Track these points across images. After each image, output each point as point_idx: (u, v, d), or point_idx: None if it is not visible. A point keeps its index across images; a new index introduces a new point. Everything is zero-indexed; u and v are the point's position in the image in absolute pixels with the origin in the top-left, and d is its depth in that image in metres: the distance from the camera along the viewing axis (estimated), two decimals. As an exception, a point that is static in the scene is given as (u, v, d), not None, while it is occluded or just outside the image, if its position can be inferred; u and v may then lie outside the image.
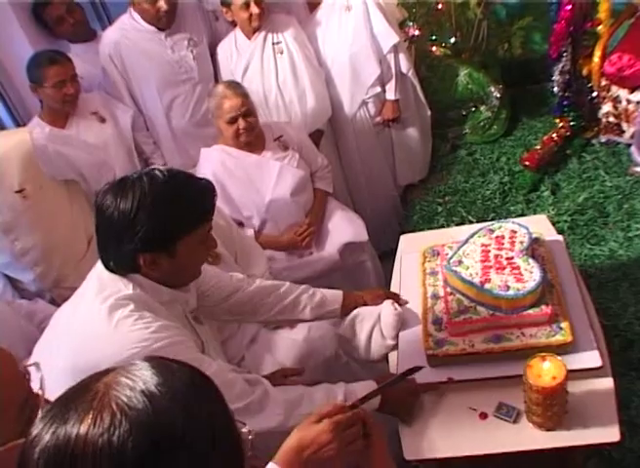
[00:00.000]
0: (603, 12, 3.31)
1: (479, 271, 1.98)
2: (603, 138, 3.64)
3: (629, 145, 3.48)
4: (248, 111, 2.82)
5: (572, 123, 3.70)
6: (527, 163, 3.57)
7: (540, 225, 2.41)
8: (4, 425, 0.98)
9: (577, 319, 1.91)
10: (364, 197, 3.84)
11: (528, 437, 1.70)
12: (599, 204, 3.31)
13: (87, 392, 0.80)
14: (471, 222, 3.39)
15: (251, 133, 2.86)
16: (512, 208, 3.45)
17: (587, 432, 1.67)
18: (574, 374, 1.71)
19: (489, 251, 2.05)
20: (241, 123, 2.80)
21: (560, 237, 2.33)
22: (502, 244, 2.07)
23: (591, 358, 1.79)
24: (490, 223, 2.20)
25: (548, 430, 1.69)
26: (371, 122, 3.69)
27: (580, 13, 3.39)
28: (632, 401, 2.38)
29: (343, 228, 3.07)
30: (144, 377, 0.81)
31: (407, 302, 2.18)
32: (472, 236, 2.14)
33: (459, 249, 2.11)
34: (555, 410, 1.66)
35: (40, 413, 0.81)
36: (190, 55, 3.32)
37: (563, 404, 1.67)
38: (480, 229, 2.17)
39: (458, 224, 3.40)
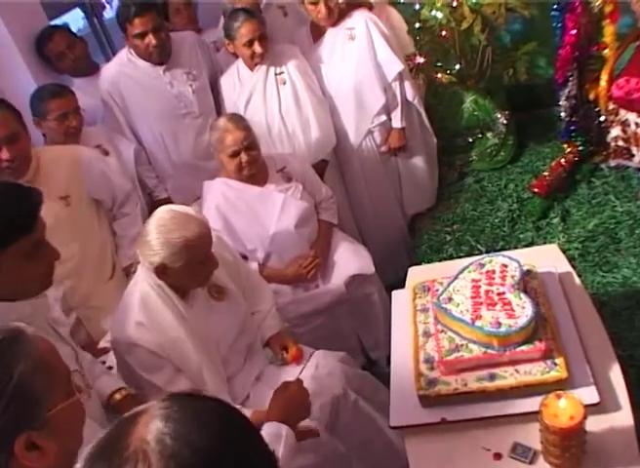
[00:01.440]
0: (608, 35, 3.28)
1: (470, 308, 1.93)
2: (612, 163, 3.58)
3: (639, 169, 3.42)
4: (250, 144, 2.79)
5: (580, 148, 3.64)
6: (536, 190, 3.51)
7: (550, 255, 2.38)
8: (57, 391, 1.14)
9: (572, 353, 1.87)
10: (371, 227, 3.79)
11: (545, 479, 1.63)
12: (610, 230, 3.24)
13: (123, 448, 0.79)
14: (480, 251, 3.33)
15: (253, 166, 2.83)
16: (522, 236, 3.39)
17: (608, 473, 1.60)
18: (590, 411, 1.66)
19: (479, 286, 2.00)
20: (243, 156, 2.78)
21: (570, 268, 2.28)
22: (493, 279, 2.02)
23: (588, 394, 1.74)
24: (480, 257, 2.15)
25: (567, 472, 1.62)
26: (377, 151, 3.65)
27: (586, 37, 3.37)
28: (652, 436, 2.29)
29: (349, 260, 3.02)
30: (176, 421, 0.81)
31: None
32: (462, 271, 2.10)
33: (448, 285, 2.06)
34: (574, 451, 1.60)
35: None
36: (190, 89, 3.30)
37: (582, 444, 1.61)
38: (470, 264, 2.12)
39: (467, 254, 3.33)
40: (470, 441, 1.77)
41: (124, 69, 3.27)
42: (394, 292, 2.39)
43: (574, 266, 3.02)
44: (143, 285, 2.12)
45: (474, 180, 3.93)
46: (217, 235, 2.41)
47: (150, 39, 3.12)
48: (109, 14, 5.47)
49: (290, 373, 2.29)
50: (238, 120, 2.83)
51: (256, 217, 2.89)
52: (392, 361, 2.10)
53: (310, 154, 3.37)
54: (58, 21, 4.35)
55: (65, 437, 1.14)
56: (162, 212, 2.08)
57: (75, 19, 5.59)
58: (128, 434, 0.80)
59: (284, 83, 3.35)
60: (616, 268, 3.04)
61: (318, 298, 2.93)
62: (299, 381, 1.86)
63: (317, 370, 2.27)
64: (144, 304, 2.08)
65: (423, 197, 3.88)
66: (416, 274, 2.44)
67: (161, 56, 3.22)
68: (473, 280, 2.03)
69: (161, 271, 2.05)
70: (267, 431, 1.68)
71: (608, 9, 3.19)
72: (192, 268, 2.06)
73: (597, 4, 3.17)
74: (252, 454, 0.84)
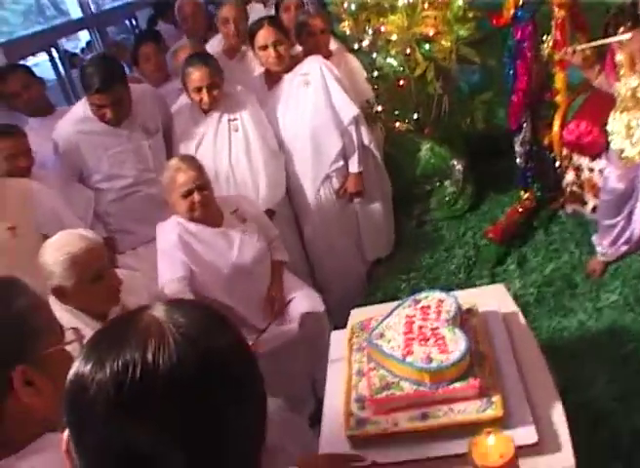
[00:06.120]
0: (559, 82, 3.30)
1: (401, 344, 1.84)
2: (569, 209, 3.56)
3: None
4: (203, 184, 2.73)
5: (537, 194, 3.63)
6: (491, 235, 3.48)
7: (496, 295, 2.31)
8: (54, 334, 1.18)
9: (512, 392, 1.77)
10: (329, 275, 3.71)
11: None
12: (567, 275, 3.20)
13: (133, 324, 0.81)
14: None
15: (206, 207, 2.76)
16: (478, 282, 3.31)
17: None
18: (528, 451, 1.56)
19: (413, 322, 1.92)
20: (196, 196, 2.71)
21: (515, 307, 2.20)
22: (428, 314, 1.94)
23: (527, 434, 1.63)
24: (417, 294, 2.08)
25: (503, 516, 1.50)
26: (335, 197, 3.61)
27: (537, 84, 3.39)
28: (605, 483, 2.18)
29: (299, 299, 2.92)
30: (179, 309, 0.84)
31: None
32: (397, 307, 2.02)
33: (382, 321, 1.97)
34: (506, 493, 1.48)
35: (81, 353, 0.83)
36: (146, 143, 3.25)
37: (515, 485, 1.50)
38: (406, 300, 2.04)
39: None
40: (402, 485, 1.66)
41: (80, 127, 3.17)
42: (333, 333, 2.31)
43: (529, 311, 2.97)
44: (56, 309, 2.03)
45: (432, 229, 3.90)
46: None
47: (108, 112, 3.08)
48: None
49: None
50: (190, 159, 2.79)
51: (211, 259, 2.80)
52: (325, 401, 1.99)
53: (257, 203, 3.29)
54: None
55: (59, 380, 1.05)
56: (53, 236, 2.14)
57: (46, 70, 5.67)
58: (137, 315, 0.83)
59: (236, 130, 3.32)
60: (572, 313, 2.98)
61: (272, 341, 2.80)
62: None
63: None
64: None
65: (382, 243, 3.83)
66: (358, 315, 2.35)
67: (117, 120, 3.14)
68: (407, 316, 1.95)
69: (59, 293, 2.05)
70: None
71: (557, 56, 3.21)
72: (87, 287, 2.06)
73: (546, 51, 3.19)
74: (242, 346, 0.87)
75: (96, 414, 0.76)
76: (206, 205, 2.75)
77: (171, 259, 2.72)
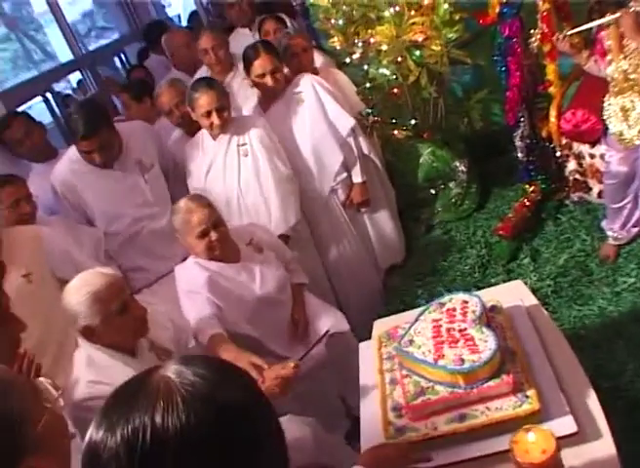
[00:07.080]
0: (551, 73, 3.34)
1: (432, 348, 1.85)
2: (574, 197, 3.58)
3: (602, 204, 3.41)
4: (217, 221, 2.67)
5: (542, 186, 3.65)
6: (501, 232, 3.50)
7: (517, 291, 2.32)
8: (34, 408, 1.05)
9: (545, 384, 1.79)
10: (346, 287, 3.71)
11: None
12: (581, 263, 3.22)
13: (143, 386, 0.84)
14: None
15: (224, 243, 2.70)
16: (493, 280, 3.33)
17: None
18: (569, 442, 1.58)
19: (440, 325, 1.93)
20: (213, 235, 2.64)
21: (536, 301, 2.22)
22: (454, 316, 1.95)
23: (565, 424, 1.65)
24: (440, 298, 2.09)
25: (550, 510, 1.51)
26: (343, 209, 3.63)
27: (531, 77, 3.43)
28: (646, 467, 2.18)
29: (323, 320, 2.91)
30: (190, 364, 0.88)
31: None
32: (423, 313, 2.03)
33: (409, 328, 1.99)
34: (552, 486, 1.49)
35: (95, 419, 0.85)
36: (142, 179, 3.23)
37: (561, 478, 1.51)
38: (430, 305, 2.06)
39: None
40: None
41: (74, 166, 3.18)
42: (361, 345, 2.32)
43: (548, 303, 2.98)
44: (86, 348, 2.12)
45: (442, 232, 3.92)
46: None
47: (96, 156, 3.09)
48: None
49: None
50: (199, 199, 2.72)
51: (237, 295, 2.75)
52: (362, 413, 2.01)
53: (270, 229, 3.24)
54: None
55: (59, 451, 1.05)
56: (73, 279, 2.15)
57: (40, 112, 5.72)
58: (148, 376, 0.86)
59: (246, 155, 3.27)
60: (591, 300, 2.99)
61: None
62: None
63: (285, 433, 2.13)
64: (92, 363, 2.08)
65: (394, 250, 3.85)
66: (381, 325, 2.37)
67: (107, 161, 3.15)
68: (434, 320, 1.96)
69: (88, 333, 2.08)
70: None
71: (546, 48, 3.24)
72: (114, 321, 2.08)
73: (535, 44, 3.22)
74: (258, 399, 0.91)
75: None
76: (224, 241, 2.69)
77: (197, 299, 2.65)
